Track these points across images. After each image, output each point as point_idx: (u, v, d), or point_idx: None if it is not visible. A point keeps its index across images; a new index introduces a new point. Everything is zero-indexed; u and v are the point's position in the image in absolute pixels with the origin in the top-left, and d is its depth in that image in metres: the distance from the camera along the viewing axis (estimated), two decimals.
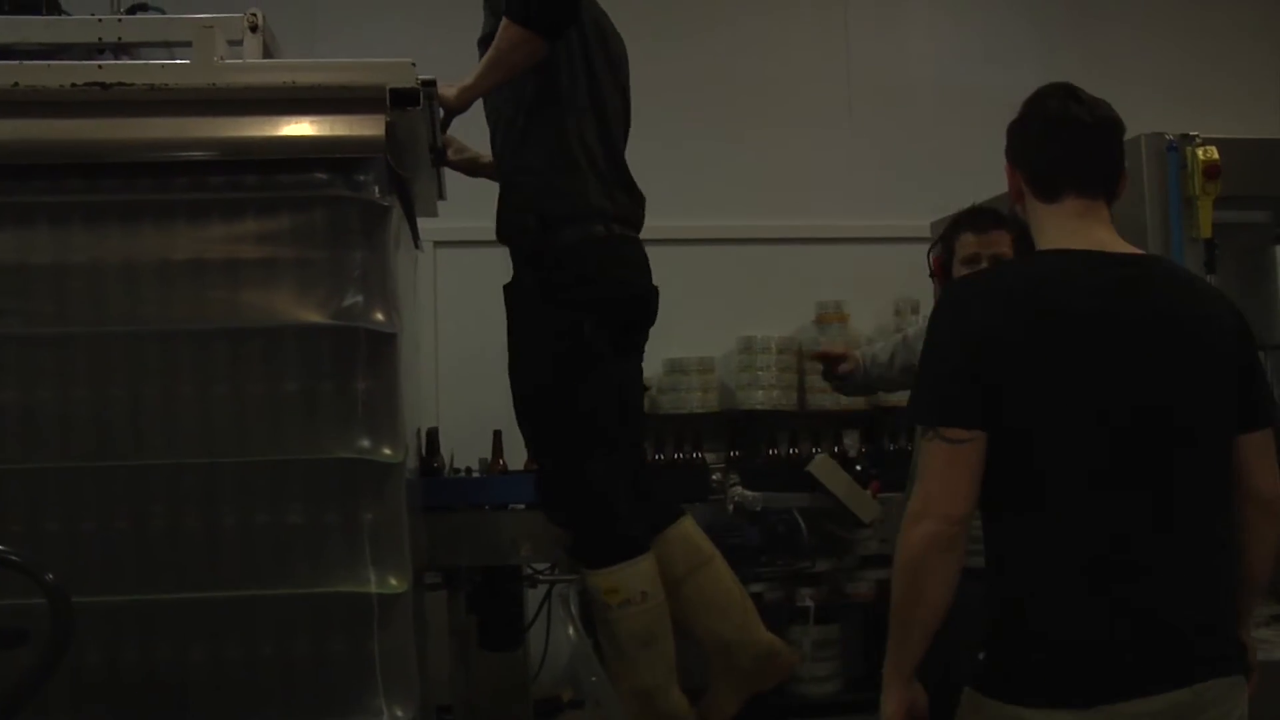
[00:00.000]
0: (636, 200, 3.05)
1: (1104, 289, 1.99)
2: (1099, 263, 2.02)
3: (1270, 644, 3.28)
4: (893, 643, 2.06)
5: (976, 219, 3.15)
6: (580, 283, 2.89)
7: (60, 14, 2.84)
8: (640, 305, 3.05)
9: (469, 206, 3.39)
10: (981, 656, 2.07)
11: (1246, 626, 2.19)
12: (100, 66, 2.45)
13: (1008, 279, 2.10)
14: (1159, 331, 1.99)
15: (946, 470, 1.96)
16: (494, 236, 3.06)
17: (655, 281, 3.09)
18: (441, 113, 2.79)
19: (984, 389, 1.95)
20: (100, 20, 2.76)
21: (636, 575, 2.88)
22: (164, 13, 2.90)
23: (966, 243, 3.11)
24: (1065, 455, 1.97)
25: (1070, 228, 2.06)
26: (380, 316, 2.47)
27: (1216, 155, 3.12)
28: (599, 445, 2.93)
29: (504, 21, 2.73)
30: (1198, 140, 3.16)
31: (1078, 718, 1.93)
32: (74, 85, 2.42)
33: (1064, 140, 2.10)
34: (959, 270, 3.11)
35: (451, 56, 2.96)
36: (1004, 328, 1.97)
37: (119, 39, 2.75)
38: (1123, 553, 1.97)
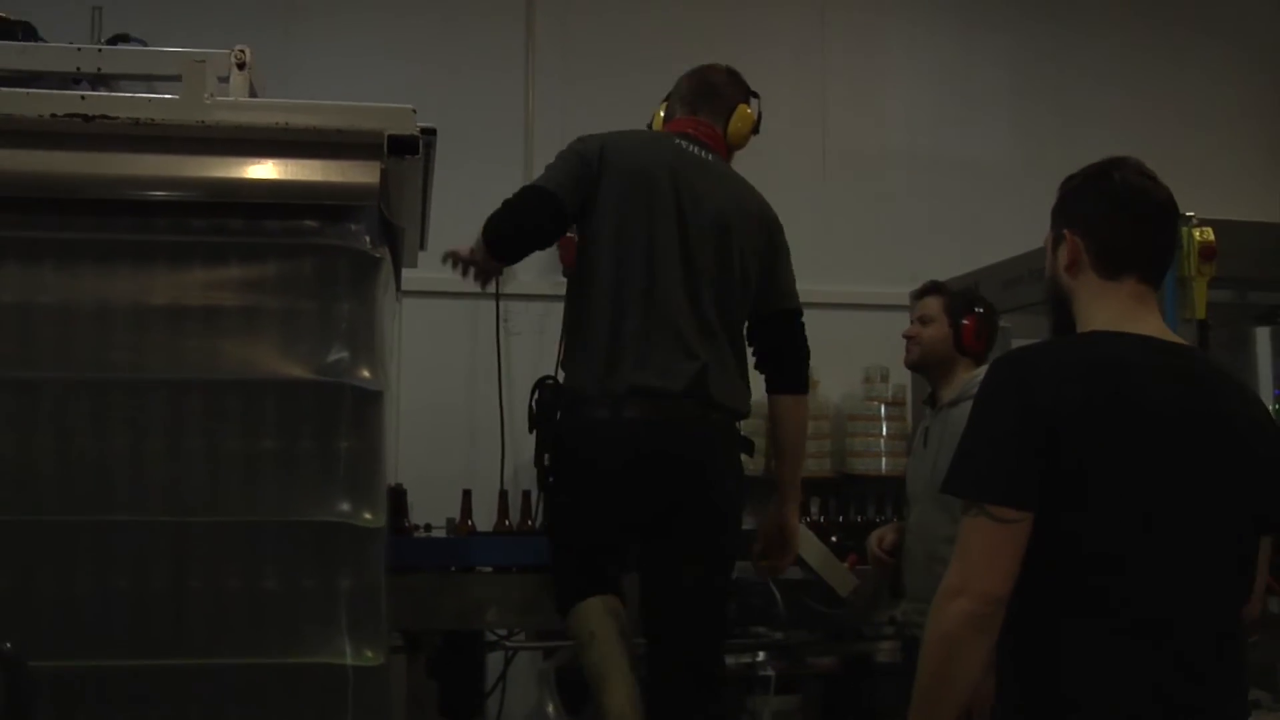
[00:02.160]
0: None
1: (1174, 380, 1.91)
2: (1158, 349, 1.95)
3: None
4: (917, 718, 1.93)
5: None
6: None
7: (37, 40, 2.70)
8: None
9: (434, 256, 3.29)
10: None
11: None
12: (83, 97, 2.33)
13: (1076, 353, 1.97)
14: (1223, 430, 1.92)
15: (991, 549, 1.85)
16: (459, 288, 3.13)
17: None
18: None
19: (1048, 469, 1.84)
20: (80, 49, 2.63)
21: (581, 622, 2.86)
22: (146, 44, 2.78)
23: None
24: (1144, 557, 1.86)
25: (1126, 310, 1.98)
26: (366, 373, 2.37)
27: (1213, 237, 3.11)
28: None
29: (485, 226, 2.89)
30: (1194, 221, 3.14)
31: None
32: (54, 115, 2.31)
33: (1140, 218, 2.02)
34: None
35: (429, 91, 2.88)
36: (1083, 407, 1.86)
37: (99, 70, 2.63)
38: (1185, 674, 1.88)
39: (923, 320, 3.45)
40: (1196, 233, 3.11)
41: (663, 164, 2.94)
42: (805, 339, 3.11)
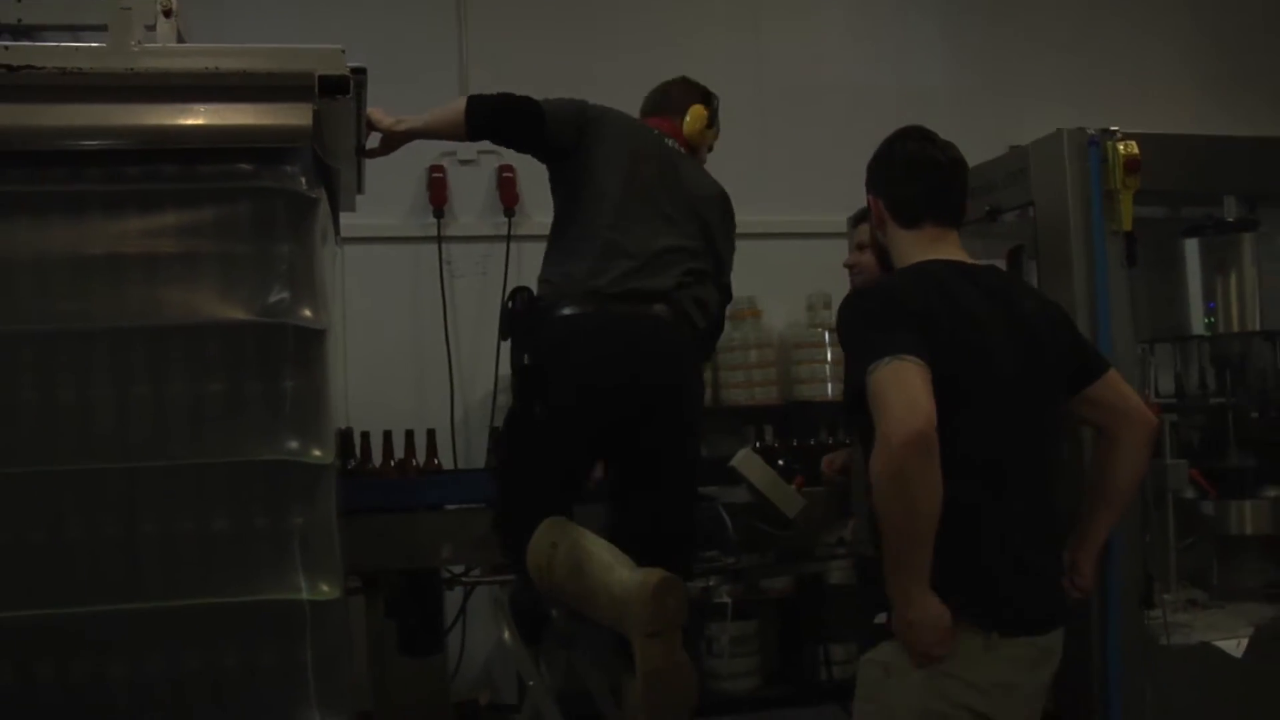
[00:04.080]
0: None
1: (980, 289, 2.43)
2: (963, 270, 2.47)
3: (1187, 627, 3.34)
4: (894, 565, 2.24)
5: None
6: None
7: None
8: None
9: (375, 204, 3.31)
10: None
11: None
12: (6, 48, 2.30)
13: (912, 276, 2.46)
14: (1023, 320, 2.45)
15: (908, 386, 2.17)
16: (401, 233, 3.12)
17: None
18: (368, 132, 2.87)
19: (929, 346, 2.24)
20: None
21: (538, 541, 2.82)
22: None
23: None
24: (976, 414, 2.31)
25: (929, 248, 2.48)
26: (308, 313, 2.39)
27: (1137, 150, 3.15)
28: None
29: (462, 101, 3.03)
30: (1118, 135, 3.18)
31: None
32: None
33: (923, 176, 2.52)
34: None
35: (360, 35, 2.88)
36: (932, 308, 2.33)
37: (19, 20, 2.61)
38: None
39: (860, 247, 3.47)
40: (1121, 146, 3.14)
41: (651, 143, 3.16)
42: (723, 318, 3.34)
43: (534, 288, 3.02)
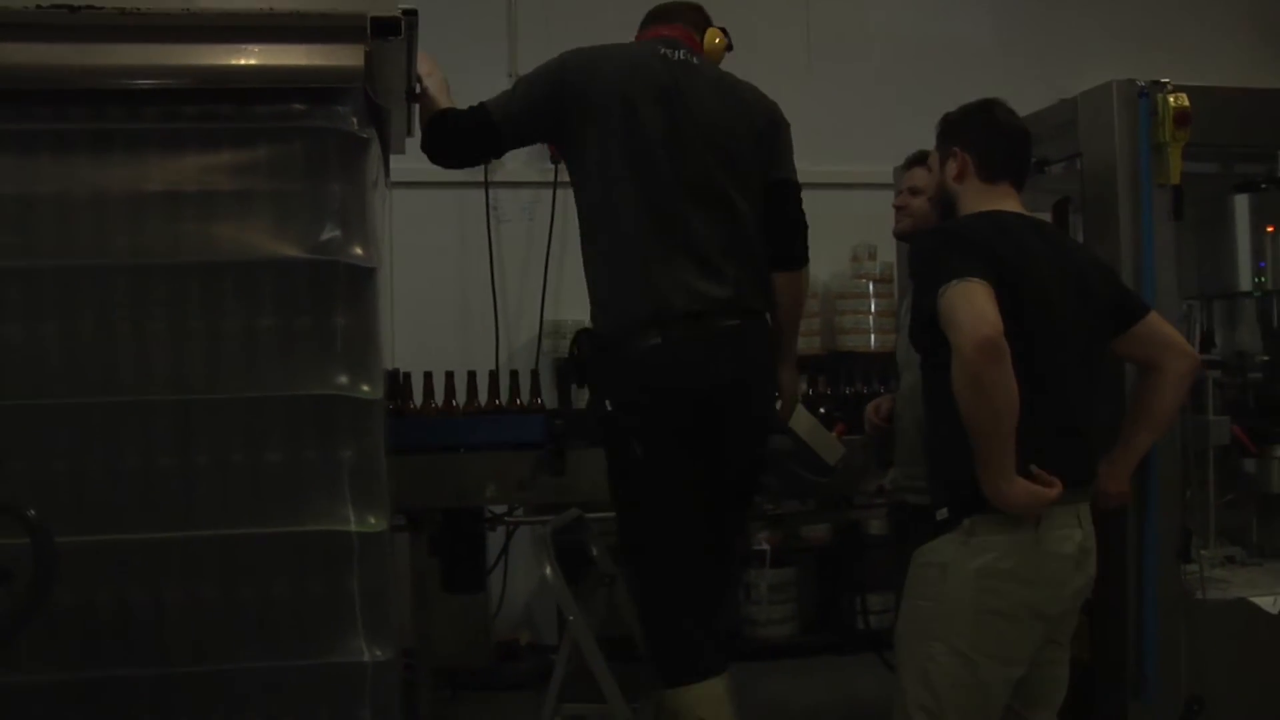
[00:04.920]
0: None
1: (1041, 237, 2.68)
2: (1027, 221, 2.71)
3: (1224, 583, 3.35)
4: (984, 462, 2.41)
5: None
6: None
7: None
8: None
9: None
10: None
11: None
12: None
13: (986, 221, 2.67)
14: (1077, 266, 2.70)
15: (977, 302, 2.38)
16: (448, 178, 3.13)
17: None
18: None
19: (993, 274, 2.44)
20: None
21: (694, 700, 2.75)
22: None
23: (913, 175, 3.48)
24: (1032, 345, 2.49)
25: (999, 202, 2.71)
26: (359, 251, 2.43)
27: (1187, 102, 3.12)
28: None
29: (438, 110, 2.88)
30: (1169, 87, 3.15)
31: None
32: (39, 7, 2.33)
33: (1011, 141, 2.77)
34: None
35: None
36: (1001, 248, 2.55)
37: None
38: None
39: (912, 191, 3.45)
40: (1171, 99, 3.11)
41: (651, 83, 2.86)
42: (799, 211, 3.09)
43: (588, 313, 2.94)
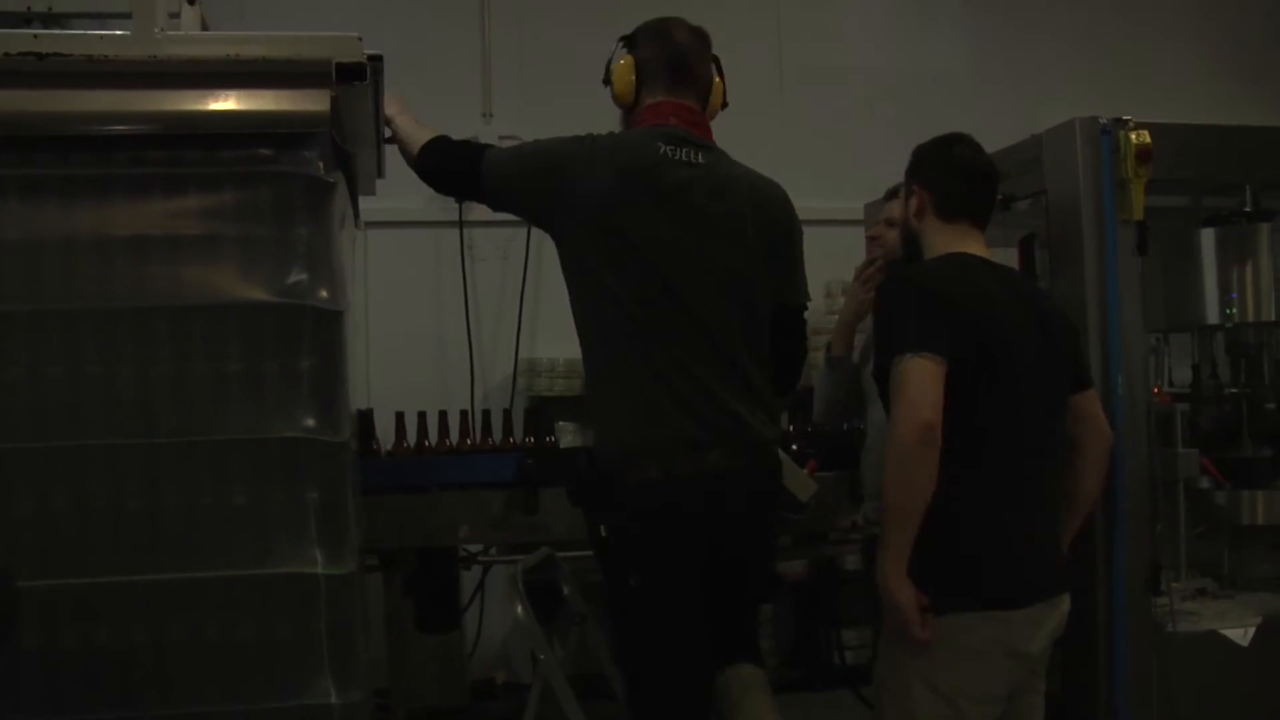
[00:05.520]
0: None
1: (1002, 281, 2.72)
2: (986, 264, 2.73)
3: (1195, 615, 3.37)
4: (891, 538, 2.48)
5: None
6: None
7: None
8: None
9: (397, 187, 3.35)
10: None
11: None
12: (35, 35, 2.37)
13: (944, 265, 2.72)
14: (1038, 312, 2.73)
15: (925, 382, 2.44)
16: (423, 218, 3.06)
17: None
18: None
19: (950, 335, 2.48)
20: None
21: None
22: None
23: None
24: (996, 392, 2.55)
25: (959, 241, 2.73)
26: (325, 294, 2.43)
27: (1149, 139, 3.17)
28: None
29: (427, 136, 2.91)
30: (1131, 124, 3.21)
31: None
32: (7, 55, 2.34)
33: (971, 180, 2.78)
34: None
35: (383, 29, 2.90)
36: (960, 296, 2.59)
37: (49, 9, 2.68)
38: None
39: (889, 222, 3.43)
40: (1133, 136, 3.17)
41: (651, 194, 2.74)
42: (803, 343, 3.04)
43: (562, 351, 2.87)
